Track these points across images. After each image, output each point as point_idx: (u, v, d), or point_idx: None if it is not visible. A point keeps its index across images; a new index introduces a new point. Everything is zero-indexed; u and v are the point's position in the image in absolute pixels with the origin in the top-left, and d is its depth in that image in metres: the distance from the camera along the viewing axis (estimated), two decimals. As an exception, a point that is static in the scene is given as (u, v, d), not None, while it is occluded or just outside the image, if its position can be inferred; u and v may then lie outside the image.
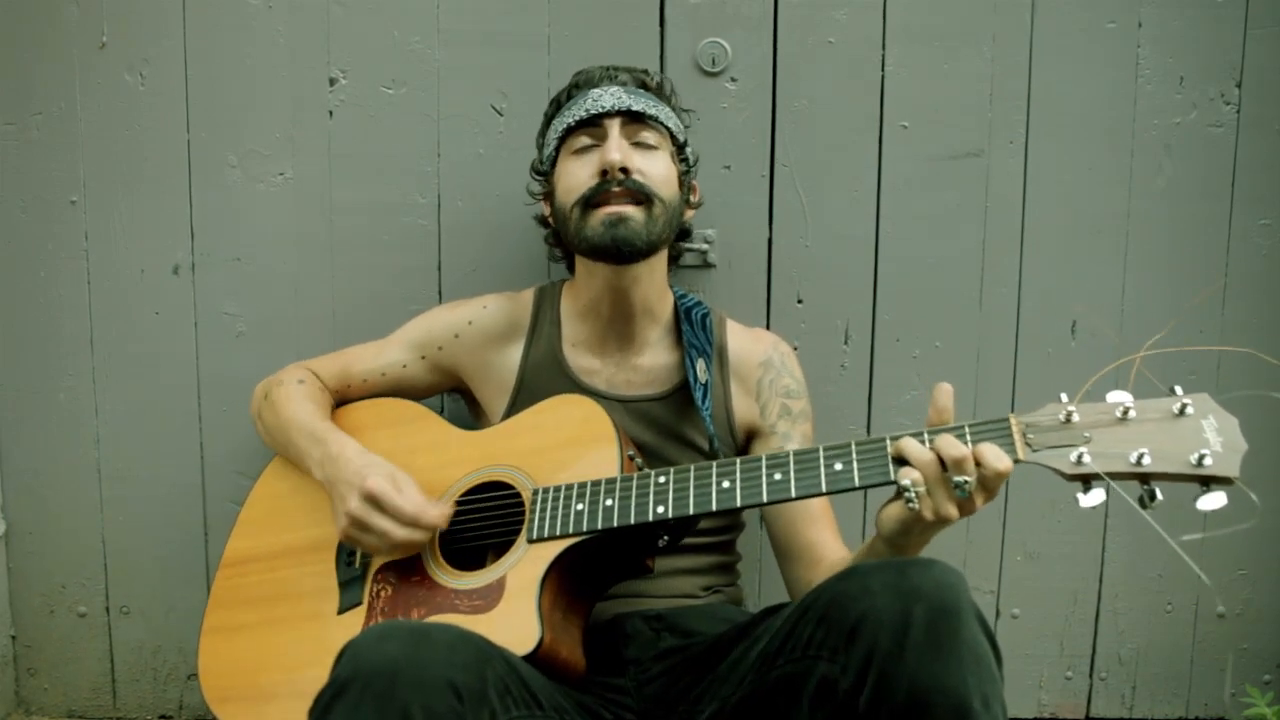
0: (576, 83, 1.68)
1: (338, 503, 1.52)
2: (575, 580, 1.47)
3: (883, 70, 1.90)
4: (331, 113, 1.92)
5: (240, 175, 1.93)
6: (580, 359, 1.70)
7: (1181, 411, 1.22)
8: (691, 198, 1.73)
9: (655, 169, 1.61)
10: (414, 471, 1.58)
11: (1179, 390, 1.24)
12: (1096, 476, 1.21)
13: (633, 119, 1.62)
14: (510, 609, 1.41)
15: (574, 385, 1.67)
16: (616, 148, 1.58)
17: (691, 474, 1.41)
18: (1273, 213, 1.94)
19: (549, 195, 1.70)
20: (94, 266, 1.96)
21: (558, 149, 1.66)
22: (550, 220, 1.71)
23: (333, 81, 1.91)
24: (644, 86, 1.67)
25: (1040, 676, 2.05)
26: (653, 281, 1.66)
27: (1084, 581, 2.02)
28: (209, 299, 1.96)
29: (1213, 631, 2.04)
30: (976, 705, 1.17)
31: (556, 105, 1.69)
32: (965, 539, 2.00)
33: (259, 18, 1.89)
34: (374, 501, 1.47)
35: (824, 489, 1.33)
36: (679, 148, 1.68)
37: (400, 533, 1.47)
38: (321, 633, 1.52)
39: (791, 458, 1.37)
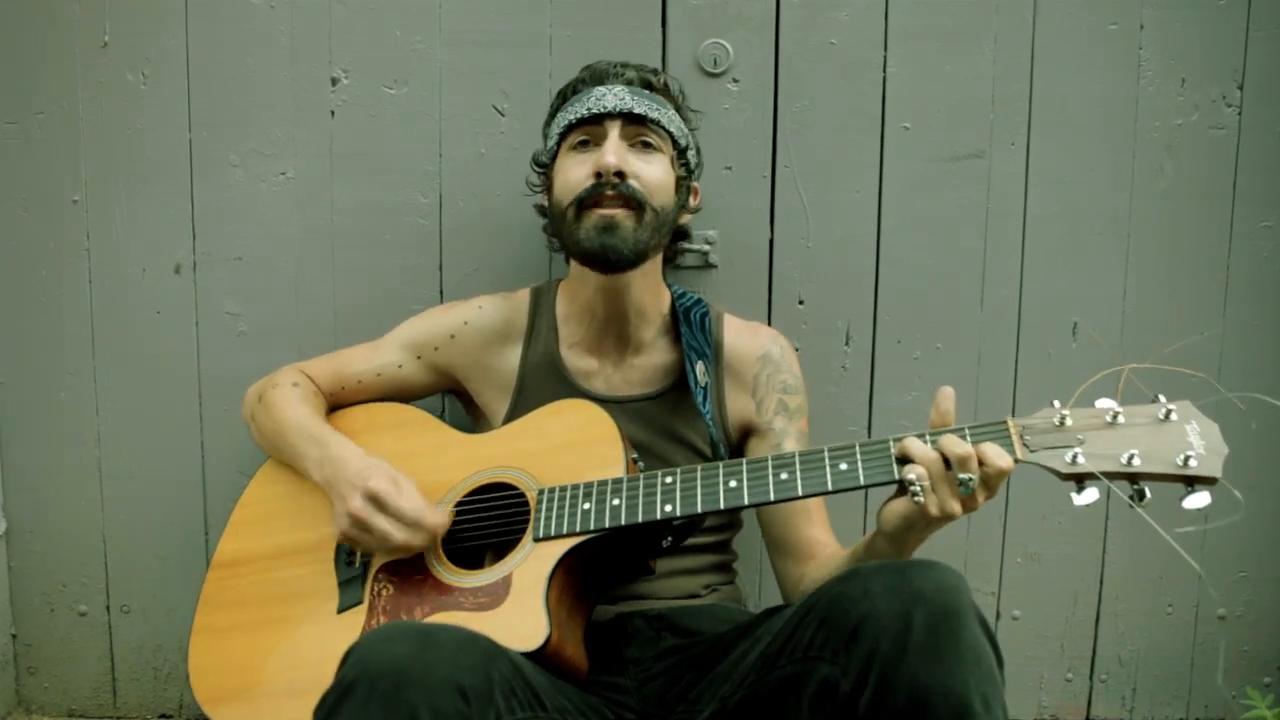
0: (583, 77, 1.68)
1: (338, 503, 1.52)
2: (580, 579, 1.47)
3: (884, 71, 1.90)
4: (333, 112, 1.92)
5: (242, 175, 1.93)
6: (578, 361, 1.70)
7: (1166, 416, 1.30)
8: (690, 201, 1.72)
9: (651, 174, 1.61)
10: (413, 474, 1.58)
11: (1162, 398, 1.31)
12: (1091, 476, 1.28)
13: (633, 121, 1.61)
14: (517, 605, 1.41)
15: (572, 388, 1.67)
16: (613, 150, 1.58)
17: (698, 474, 1.43)
18: (1274, 215, 1.94)
19: (548, 188, 1.70)
20: (95, 266, 1.96)
21: (558, 143, 1.66)
22: (548, 212, 1.72)
23: (334, 81, 1.91)
24: (649, 87, 1.66)
25: (1040, 678, 2.05)
26: (646, 284, 1.67)
27: (1084, 583, 2.02)
28: (210, 298, 1.96)
29: (1213, 633, 2.04)
30: (977, 706, 1.17)
31: (563, 98, 1.69)
32: (965, 540, 2.00)
33: (261, 17, 1.89)
34: (376, 502, 1.48)
35: (830, 488, 1.36)
36: (680, 152, 1.67)
37: (400, 535, 1.47)
38: (320, 632, 1.52)
39: (797, 458, 1.39)
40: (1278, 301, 1.96)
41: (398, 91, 1.91)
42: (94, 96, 1.91)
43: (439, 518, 1.49)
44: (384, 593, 1.51)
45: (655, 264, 1.68)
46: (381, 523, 1.47)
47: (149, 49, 1.90)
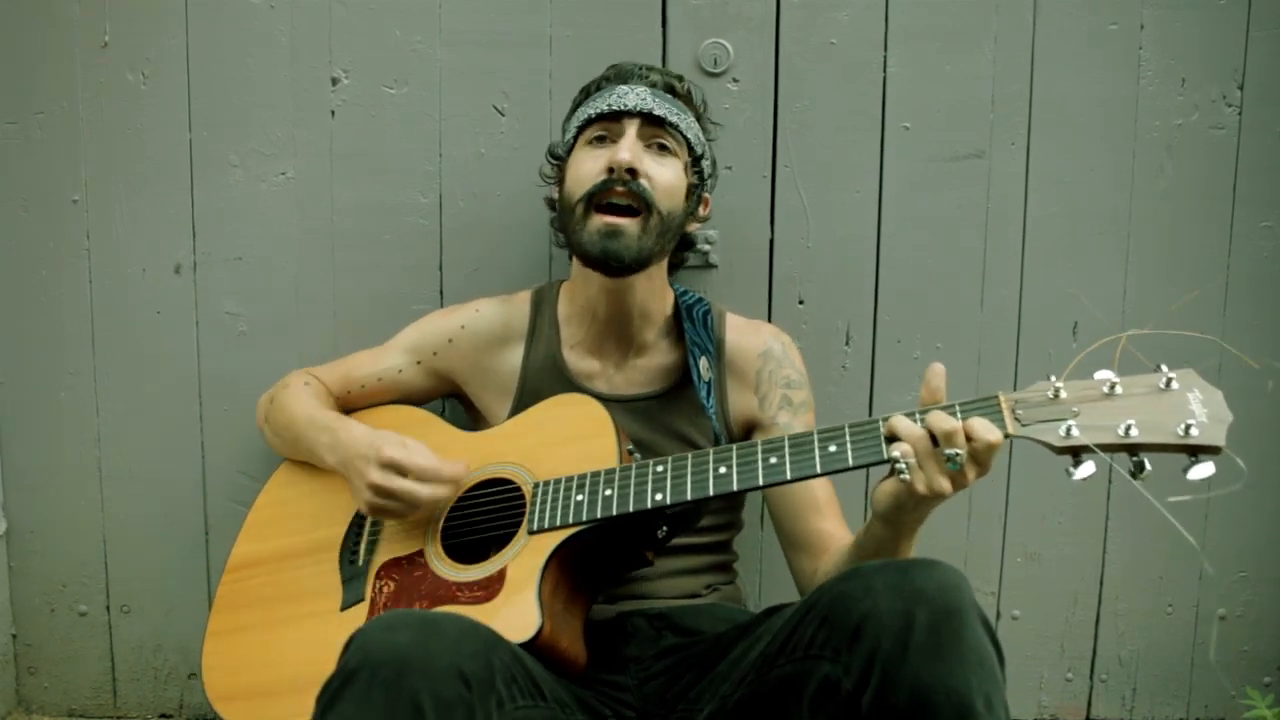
0: (608, 75, 1.69)
1: (356, 479, 1.54)
2: (576, 572, 1.48)
3: (884, 71, 1.90)
4: (333, 112, 1.92)
5: (242, 175, 1.93)
6: (580, 362, 1.70)
7: (1167, 385, 1.25)
8: (700, 210, 1.72)
9: (663, 176, 1.61)
10: None
11: (1164, 367, 1.26)
12: (1086, 448, 1.23)
13: (652, 122, 1.62)
14: (510, 598, 1.42)
15: (574, 389, 1.67)
16: (628, 148, 1.59)
17: (689, 461, 1.43)
18: (1274, 214, 1.94)
19: (560, 181, 1.70)
20: (95, 266, 1.96)
21: (576, 137, 1.67)
22: (558, 205, 1.72)
23: (335, 81, 1.91)
24: (672, 91, 1.67)
25: (1040, 678, 2.05)
26: (650, 287, 1.67)
27: (1084, 583, 2.02)
28: (210, 298, 1.96)
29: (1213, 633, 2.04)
30: (979, 706, 1.17)
31: (585, 94, 1.71)
32: (965, 540, 2.00)
33: (261, 17, 1.89)
34: (393, 467, 1.50)
35: (819, 470, 1.35)
36: (695, 159, 1.67)
37: (424, 490, 1.50)
38: (324, 629, 1.53)
39: (786, 442, 1.38)
40: (1278, 301, 1.96)
41: (398, 91, 1.91)
42: (94, 96, 1.91)
43: (456, 467, 1.52)
44: (385, 589, 1.52)
45: (660, 267, 1.68)
46: (403, 484, 1.50)
47: (149, 49, 1.90)
